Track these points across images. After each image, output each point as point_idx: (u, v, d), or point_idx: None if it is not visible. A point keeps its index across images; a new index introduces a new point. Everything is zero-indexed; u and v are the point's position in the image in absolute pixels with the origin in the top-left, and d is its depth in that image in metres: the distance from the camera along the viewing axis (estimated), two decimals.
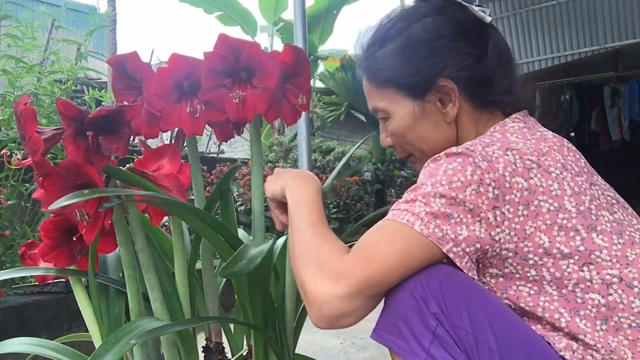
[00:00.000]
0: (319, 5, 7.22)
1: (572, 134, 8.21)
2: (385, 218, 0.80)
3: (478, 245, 0.76)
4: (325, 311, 0.74)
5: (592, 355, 0.74)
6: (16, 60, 2.55)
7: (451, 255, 0.75)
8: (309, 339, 2.48)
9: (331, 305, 0.74)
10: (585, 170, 0.83)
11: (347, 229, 1.82)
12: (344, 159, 1.35)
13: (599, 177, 0.86)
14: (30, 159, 0.93)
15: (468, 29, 0.90)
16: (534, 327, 0.78)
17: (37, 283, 2.23)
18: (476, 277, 0.79)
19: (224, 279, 1.24)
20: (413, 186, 0.80)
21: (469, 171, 0.76)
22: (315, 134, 7.14)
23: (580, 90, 7.51)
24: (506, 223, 0.76)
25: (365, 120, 7.43)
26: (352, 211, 5.05)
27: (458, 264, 0.76)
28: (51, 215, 1.03)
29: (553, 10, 7.27)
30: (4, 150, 1.18)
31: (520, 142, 0.81)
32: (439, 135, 0.92)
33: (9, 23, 2.66)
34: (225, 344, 1.15)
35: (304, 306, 1.15)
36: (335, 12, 7.48)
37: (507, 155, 0.78)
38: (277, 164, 5.59)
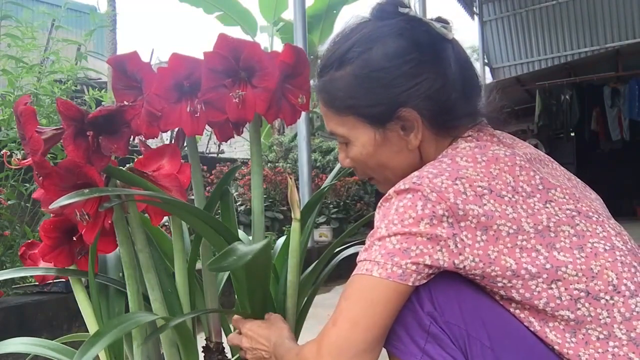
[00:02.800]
0: (319, 5, 7.22)
1: (572, 134, 8.22)
2: (353, 274, 0.80)
3: (440, 271, 0.76)
4: None
5: None
6: (16, 60, 2.54)
7: (417, 284, 0.75)
8: (309, 338, 2.47)
9: None
10: (540, 187, 0.79)
11: (347, 229, 1.82)
12: None
13: (560, 188, 0.81)
14: (30, 159, 0.93)
15: (431, 51, 0.84)
16: None
17: (37, 283, 2.23)
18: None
19: (224, 279, 1.24)
20: (371, 232, 0.80)
21: (419, 205, 0.75)
22: (315, 134, 7.13)
23: (580, 90, 7.51)
24: (467, 250, 0.75)
25: None
26: (352, 211, 5.04)
27: (418, 285, 0.76)
28: (51, 215, 1.03)
29: (553, 10, 7.27)
30: (4, 150, 1.18)
31: (470, 168, 0.78)
32: (401, 161, 0.89)
33: (9, 23, 2.66)
34: (225, 344, 1.15)
35: (304, 306, 1.15)
36: (335, 12, 7.48)
37: (457, 184, 0.76)
38: (277, 164, 5.59)
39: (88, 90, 2.84)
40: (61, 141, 0.92)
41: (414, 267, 0.74)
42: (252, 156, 1.11)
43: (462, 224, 0.74)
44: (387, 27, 0.86)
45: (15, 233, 2.37)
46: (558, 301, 0.74)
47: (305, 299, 1.15)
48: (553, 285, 0.74)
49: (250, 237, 1.05)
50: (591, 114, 7.57)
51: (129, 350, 1.08)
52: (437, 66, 0.85)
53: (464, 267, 0.75)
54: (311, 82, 0.99)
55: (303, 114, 1.69)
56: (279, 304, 1.11)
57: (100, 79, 4.77)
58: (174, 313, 1.07)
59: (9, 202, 2.34)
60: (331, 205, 4.91)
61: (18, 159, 1.00)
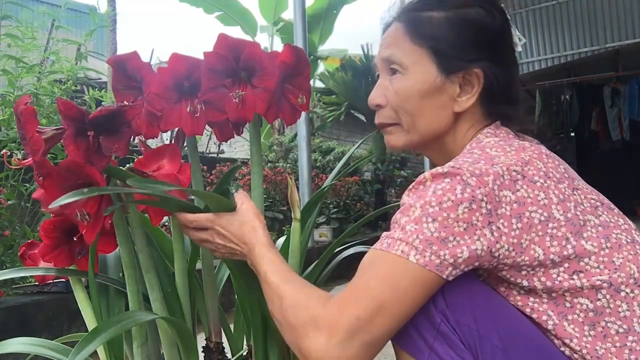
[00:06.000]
0: (319, 5, 7.22)
1: (572, 134, 8.22)
2: (376, 247, 0.77)
3: (477, 264, 0.75)
4: None
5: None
6: (16, 60, 2.55)
7: (450, 278, 0.74)
8: None
9: (327, 357, 0.72)
10: (566, 175, 0.81)
11: (347, 229, 1.82)
12: (344, 159, 1.35)
13: (581, 180, 0.84)
14: (30, 158, 0.93)
15: (507, 42, 0.91)
16: None
17: (37, 283, 2.23)
18: None
19: (224, 279, 1.24)
20: (401, 209, 0.78)
21: (459, 189, 0.74)
22: (315, 134, 7.13)
23: (580, 90, 7.51)
24: (504, 238, 0.74)
25: (365, 120, 7.43)
26: (352, 211, 5.04)
27: (451, 278, 0.74)
28: (51, 215, 1.03)
29: (553, 10, 7.26)
30: (4, 150, 1.18)
31: (502, 156, 0.79)
32: (436, 119, 0.89)
33: (9, 23, 2.66)
34: (225, 344, 1.16)
35: None
36: (335, 12, 7.48)
37: (494, 168, 0.76)
38: (277, 164, 5.59)
39: (88, 90, 2.84)
40: (61, 141, 0.92)
41: (451, 260, 0.73)
42: (252, 156, 1.11)
43: (499, 211, 0.74)
44: (485, 2, 0.90)
45: (15, 233, 2.38)
46: (579, 289, 0.75)
47: None
48: (575, 276, 0.75)
49: None
50: (591, 114, 7.58)
51: (129, 351, 1.08)
52: (509, 54, 0.91)
53: (499, 255, 0.74)
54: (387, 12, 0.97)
55: (303, 114, 1.69)
56: None
57: (100, 79, 4.77)
58: (174, 313, 1.07)
59: (9, 202, 2.34)
60: (331, 205, 4.91)
61: (18, 159, 1.00)
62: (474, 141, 0.87)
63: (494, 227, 0.74)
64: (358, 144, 1.62)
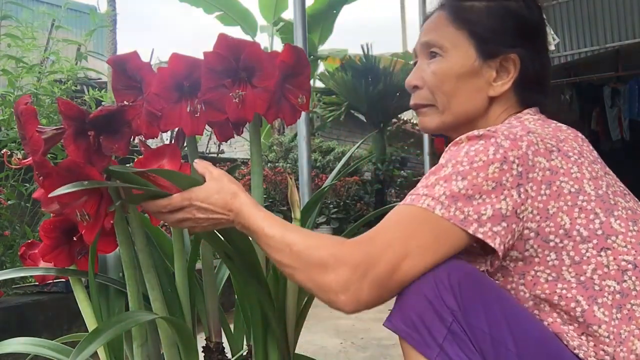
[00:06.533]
0: (319, 5, 7.22)
1: None
2: (400, 204, 0.80)
3: (505, 224, 0.75)
4: (342, 301, 0.75)
5: (604, 350, 0.75)
6: (16, 60, 2.55)
7: (480, 236, 0.74)
8: (309, 339, 2.48)
9: (347, 291, 0.74)
10: (599, 160, 0.85)
11: (347, 229, 1.82)
12: (344, 159, 1.35)
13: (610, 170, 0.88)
14: (30, 158, 0.93)
15: (543, 36, 0.95)
16: (549, 318, 0.78)
17: (37, 283, 2.23)
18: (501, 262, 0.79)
19: (224, 279, 1.24)
20: (432, 169, 0.80)
21: (492, 151, 0.76)
22: (315, 134, 7.14)
23: (580, 90, 7.51)
24: (529, 201, 0.76)
25: (365, 120, 7.44)
26: (352, 211, 5.05)
27: (491, 244, 0.75)
28: (51, 215, 1.04)
29: (553, 10, 7.26)
30: (4, 150, 1.18)
31: (539, 129, 0.83)
32: (472, 101, 0.91)
33: (9, 23, 2.66)
34: (225, 344, 1.16)
35: (304, 306, 1.15)
36: (335, 12, 7.49)
37: (529, 136, 0.79)
38: (277, 164, 5.59)
39: (88, 90, 2.84)
40: (61, 141, 0.92)
41: (475, 216, 0.74)
42: (252, 156, 1.11)
43: (530, 175, 0.76)
44: None
45: (15, 233, 2.38)
46: (606, 269, 0.76)
47: (306, 299, 1.15)
48: (602, 253, 0.77)
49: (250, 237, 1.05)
50: (591, 113, 7.57)
51: (129, 351, 1.08)
52: (544, 49, 0.94)
53: (523, 217, 0.76)
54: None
55: (303, 114, 1.69)
56: (279, 304, 1.11)
57: (100, 79, 4.77)
58: (174, 313, 1.07)
59: (9, 202, 2.34)
60: (331, 205, 4.91)
61: (18, 158, 1.01)
62: (513, 117, 0.90)
63: (521, 190, 0.76)
64: (358, 144, 1.62)
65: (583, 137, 0.87)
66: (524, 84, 0.91)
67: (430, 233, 0.75)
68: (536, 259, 0.79)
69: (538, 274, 0.79)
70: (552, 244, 0.77)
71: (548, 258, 0.78)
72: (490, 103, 0.92)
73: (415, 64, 0.98)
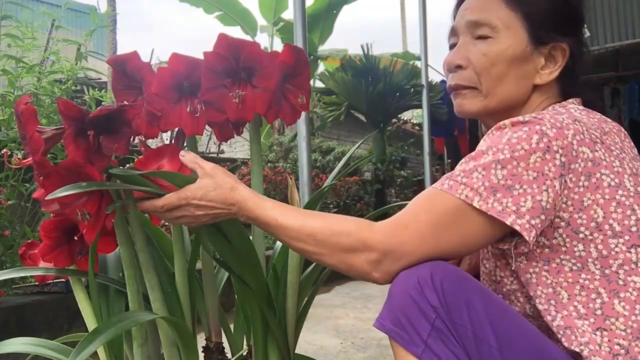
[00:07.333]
0: (319, 5, 7.22)
1: None
2: (436, 186, 0.79)
3: (543, 217, 0.75)
4: (375, 278, 0.79)
5: (619, 344, 0.75)
6: (16, 60, 2.55)
7: (517, 228, 0.74)
8: (309, 339, 2.48)
9: (380, 273, 0.78)
10: (639, 157, 0.84)
11: None
12: (344, 159, 1.35)
13: None
14: (30, 158, 0.93)
15: (584, 29, 0.94)
16: (564, 311, 0.78)
17: (37, 283, 2.23)
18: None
19: (224, 279, 1.24)
20: (472, 153, 0.79)
21: (535, 139, 0.75)
22: (315, 134, 7.14)
23: None
24: (566, 192, 0.75)
25: (365, 120, 7.43)
26: (352, 211, 5.05)
27: (526, 237, 0.74)
28: (51, 215, 1.04)
29: None
30: (4, 150, 1.18)
31: (585, 118, 0.81)
32: (517, 88, 0.89)
33: (9, 23, 2.66)
34: (225, 344, 1.16)
35: (304, 306, 1.15)
36: (335, 12, 7.48)
37: (576, 124, 0.78)
38: (277, 164, 5.59)
39: (88, 90, 2.84)
40: (61, 141, 0.92)
41: (514, 208, 0.74)
42: (252, 156, 1.11)
43: (572, 165, 0.75)
44: None
45: (15, 233, 2.37)
46: (633, 266, 0.76)
47: (306, 299, 1.15)
48: (632, 250, 0.76)
49: (251, 237, 1.05)
50: None
51: (129, 351, 1.08)
52: (584, 39, 0.93)
53: (557, 207, 0.76)
54: None
55: (303, 114, 1.69)
56: (279, 304, 1.11)
57: (100, 79, 4.77)
58: (174, 313, 1.07)
59: (9, 202, 2.34)
60: (331, 205, 4.91)
61: (18, 158, 1.01)
62: (558, 104, 0.88)
63: (563, 180, 0.75)
64: (358, 144, 1.62)
65: (625, 132, 0.86)
66: (569, 75, 0.89)
67: (465, 227, 0.76)
68: (563, 248, 0.78)
69: (563, 262, 0.79)
70: (581, 235, 0.77)
71: (575, 249, 0.77)
72: (532, 91, 0.90)
73: (454, 45, 0.94)
